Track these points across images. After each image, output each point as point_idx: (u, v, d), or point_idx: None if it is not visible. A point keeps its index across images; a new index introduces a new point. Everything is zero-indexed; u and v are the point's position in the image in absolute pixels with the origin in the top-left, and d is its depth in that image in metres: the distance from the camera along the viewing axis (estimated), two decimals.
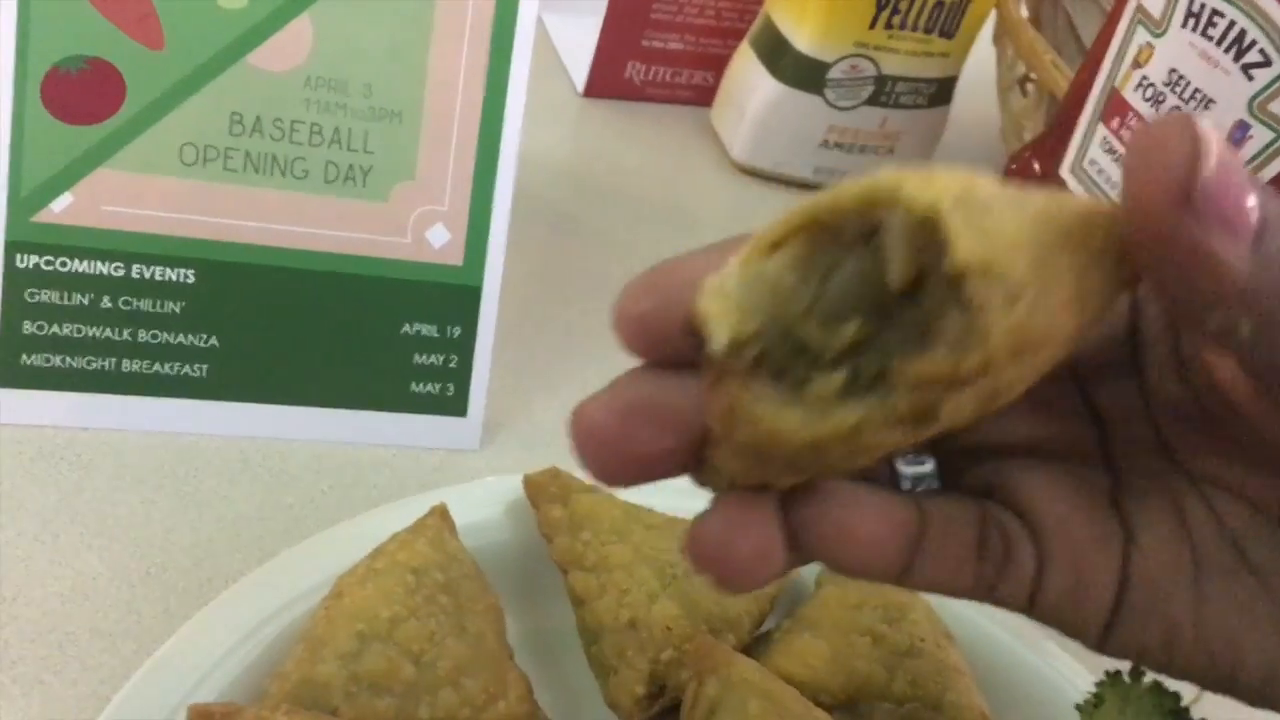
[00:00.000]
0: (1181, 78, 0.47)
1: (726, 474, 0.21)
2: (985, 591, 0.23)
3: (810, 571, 0.42)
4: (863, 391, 0.18)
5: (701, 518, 0.21)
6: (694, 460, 0.21)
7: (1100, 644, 0.23)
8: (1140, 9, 0.50)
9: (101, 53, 0.40)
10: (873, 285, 0.18)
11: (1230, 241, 0.18)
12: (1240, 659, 0.22)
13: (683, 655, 0.36)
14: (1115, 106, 0.51)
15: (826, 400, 0.18)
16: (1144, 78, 0.49)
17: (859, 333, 0.18)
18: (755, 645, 0.39)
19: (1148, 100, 0.49)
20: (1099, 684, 0.31)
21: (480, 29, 0.44)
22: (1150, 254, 0.18)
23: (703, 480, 0.21)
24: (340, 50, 0.42)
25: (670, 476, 0.21)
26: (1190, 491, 0.23)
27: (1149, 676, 0.31)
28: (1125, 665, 0.31)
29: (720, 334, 0.18)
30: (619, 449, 0.21)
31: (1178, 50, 0.47)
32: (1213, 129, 0.18)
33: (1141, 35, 0.49)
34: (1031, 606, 0.23)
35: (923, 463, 0.23)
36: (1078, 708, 0.32)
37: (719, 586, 0.22)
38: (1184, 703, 0.29)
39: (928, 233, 0.17)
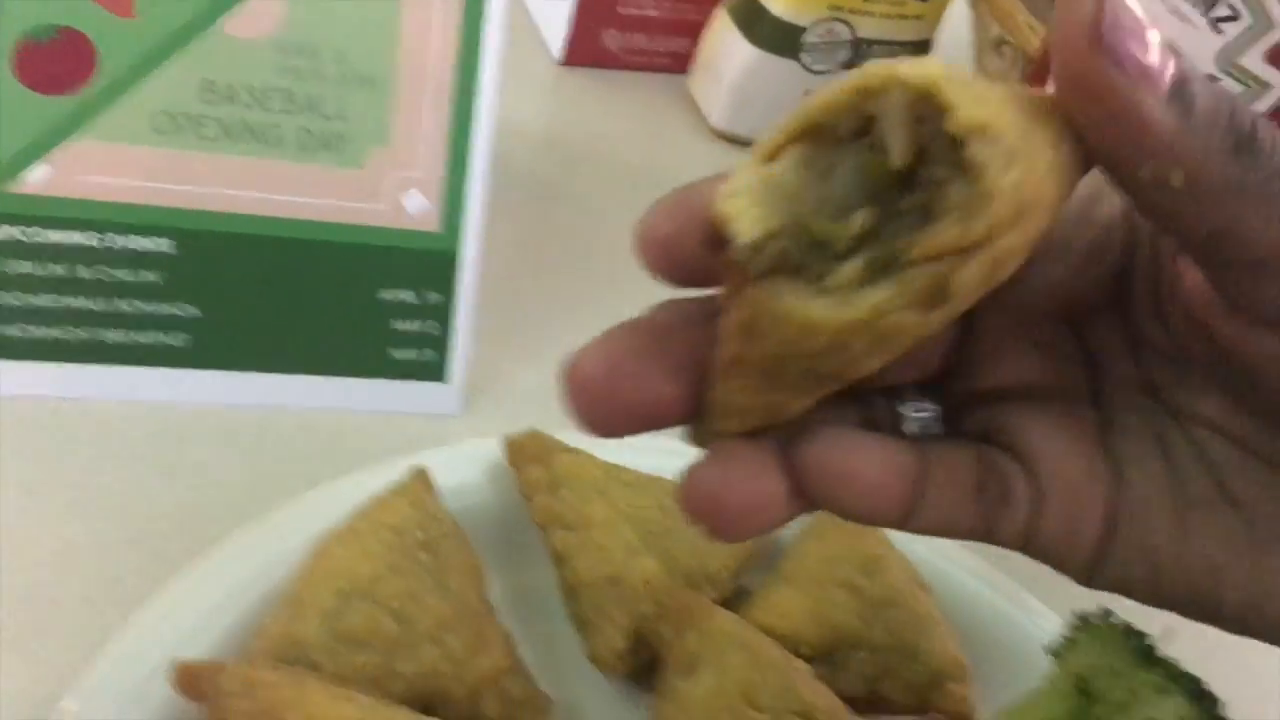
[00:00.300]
0: None
1: (728, 415, 0.21)
2: (984, 532, 0.23)
3: (789, 527, 0.43)
4: (878, 279, 0.19)
5: (695, 466, 0.22)
6: (688, 410, 0.21)
7: (1090, 578, 0.24)
8: None
9: (72, 21, 0.40)
10: (874, 175, 0.19)
11: (1149, 90, 0.19)
12: (1221, 589, 0.23)
13: (663, 610, 0.36)
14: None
15: (847, 288, 0.19)
16: None
17: (868, 221, 0.19)
18: (734, 600, 0.40)
19: None
20: (1070, 626, 0.32)
21: None
22: (1081, 111, 0.20)
23: (698, 433, 0.22)
24: (312, 17, 0.42)
25: (663, 426, 0.22)
26: (1175, 428, 0.24)
27: (1118, 618, 0.31)
28: (1096, 607, 0.32)
29: (744, 230, 0.19)
30: (612, 398, 0.21)
31: (1146, 5, 0.48)
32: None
33: None
34: (1027, 544, 0.24)
35: (925, 409, 0.24)
36: (1050, 651, 0.32)
37: (715, 536, 0.22)
38: (1152, 641, 0.30)
39: (925, 107, 0.18)
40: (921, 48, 0.69)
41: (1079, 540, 0.23)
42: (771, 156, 0.20)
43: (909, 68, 0.18)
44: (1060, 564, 0.24)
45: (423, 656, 0.33)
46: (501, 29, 0.45)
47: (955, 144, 0.18)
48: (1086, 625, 0.31)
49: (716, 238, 0.20)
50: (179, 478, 0.42)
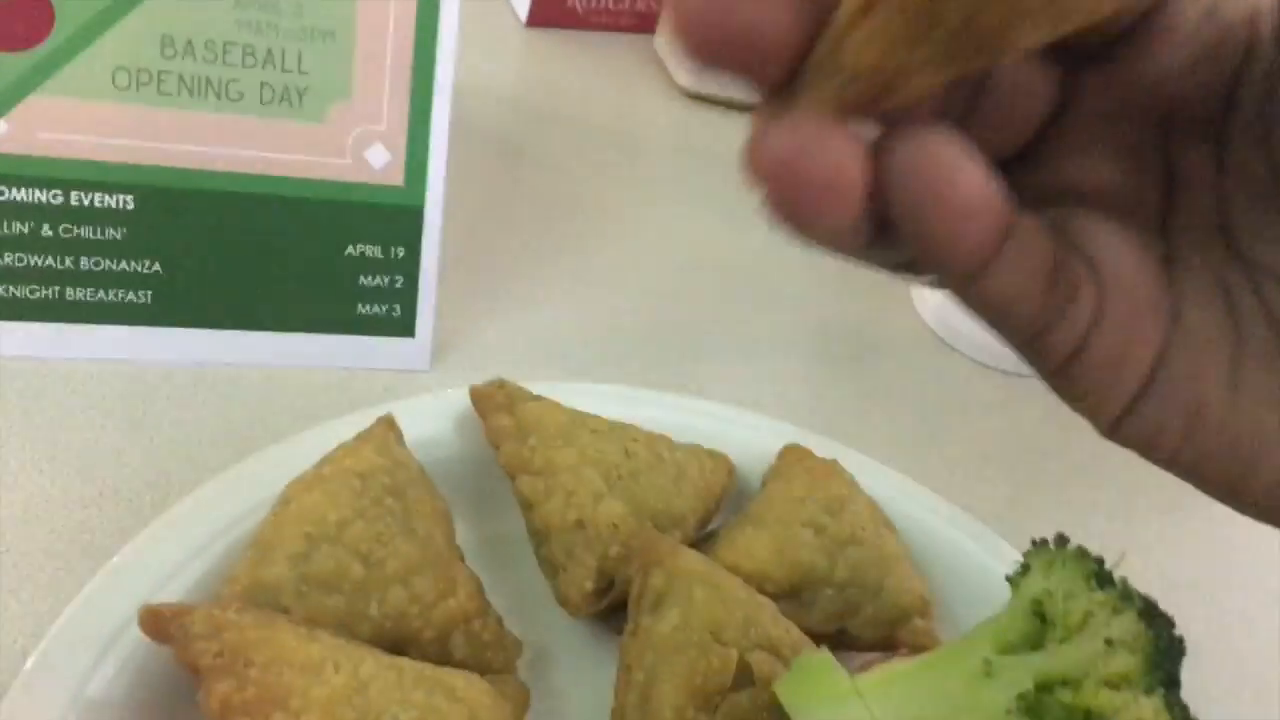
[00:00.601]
0: None
1: (835, 75, 0.19)
2: (1039, 327, 0.22)
3: (756, 473, 0.43)
4: None
5: (769, 126, 0.19)
6: (793, 53, 0.19)
7: (1120, 421, 0.22)
8: None
9: None
10: None
11: None
12: (1259, 459, 0.21)
13: (629, 551, 0.37)
14: None
15: None
16: None
17: None
18: (701, 543, 0.40)
19: None
20: (1026, 554, 0.32)
21: None
22: None
23: (778, 102, 0.19)
24: None
25: (759, 66, 0.19)
26: (1242, 277, 0.22)
27: (1073, 544, 0.32)
28: (1050, 534, 0.32)
29: None
30: (719, 14, 0.18)
31: None
32: None
33: None
34: (1069, 362, 0.22)
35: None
36: (1008, 579, 0.33)
37: (779, 209, 0.19)
38: (1106, 564, 0.31)
39: None
40: None
41: (1126, 369, 0.21)
42: None
43: None
44: (1096, 396, 0.22)
45: (391, 599, 0.33)
46: None
47: None
48: (1042, 551, 0.32)
49: None
50: (146, 434, 0.42)
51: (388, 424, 0.38)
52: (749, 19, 0.18)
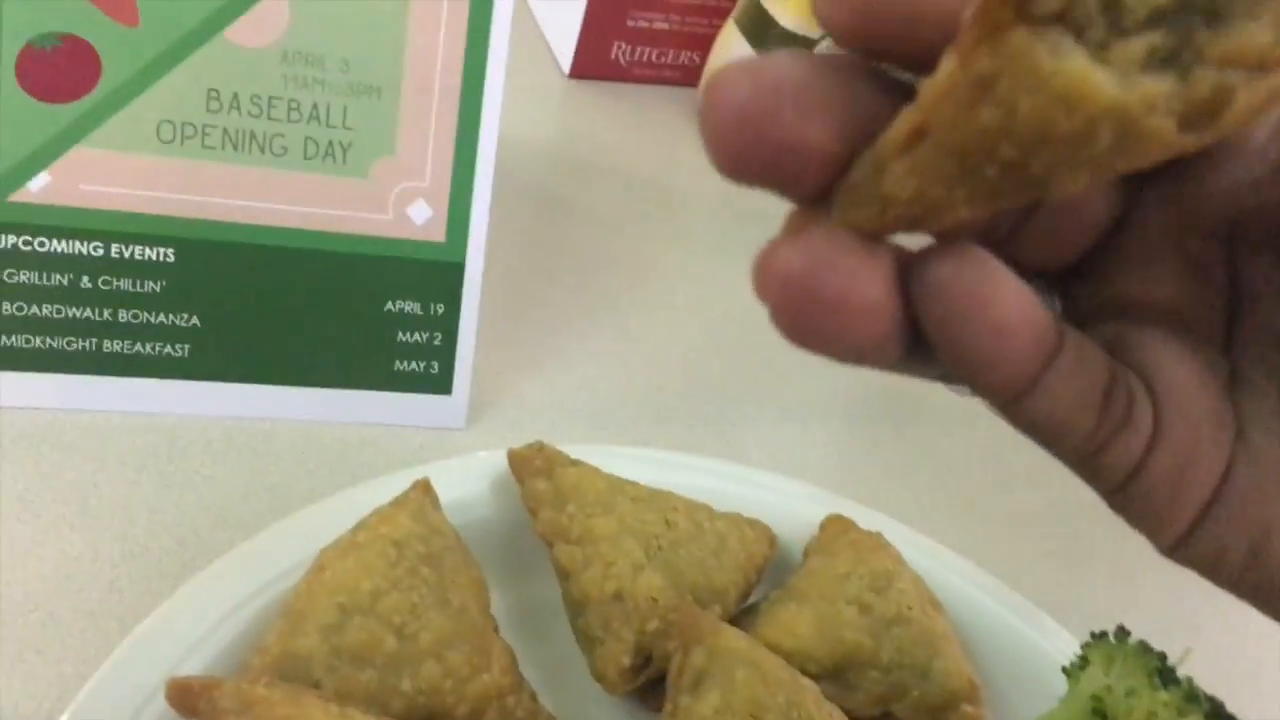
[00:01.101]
0: None
1: (866, 203, 0.18)
2: (1097, 445, 0.21)
3: (796, 542, 0.42)
4: (1162, 69, 0.16)
5: (778, 241, 0.18)
6: (829, 173, 0.18)
7: (1181, 543, 0.21)
8: None
9: (76, 29, 0.40)
10: None
11: None
12: None
13: (669, 626, 0.36)
14: None
15: (1129, 67, 0.16)
16: None
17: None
18: (742, 617, 0.39)
19: None
20: (1085, 645, 0.31)
21: (460, 2, 0.43)
22: None
23: (804, 217, 0.19)
24: (317, 24, 0.42)
25: (795, 181, 0.18)
26: None
27: (1134, 637, 0.30)
28: (1110, 626, 0.31)
29: None
30: (754, 124, 0.17)
31: None
32: None
33: None
34: (1127, 483, 0.21)
35: (1053, 303, 0.22)
36: (1064, 670, 0.32)
37: (787, 329, 0.18)
38: (1169, 661, 0.29)
39: None
40: None
41: (1188, 489, 0.21)
42: None
43: None
44: (1156, 517, 0.21)
45: (424, 673, 0.32)
46: (507, 37, 0.44)
47: None
48: (1102, 644, 0.31)
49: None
50: (180, 490, 0.41)
51: (424, 489, 0.37)
52: (789, 136, 0.17)
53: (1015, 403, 0.20)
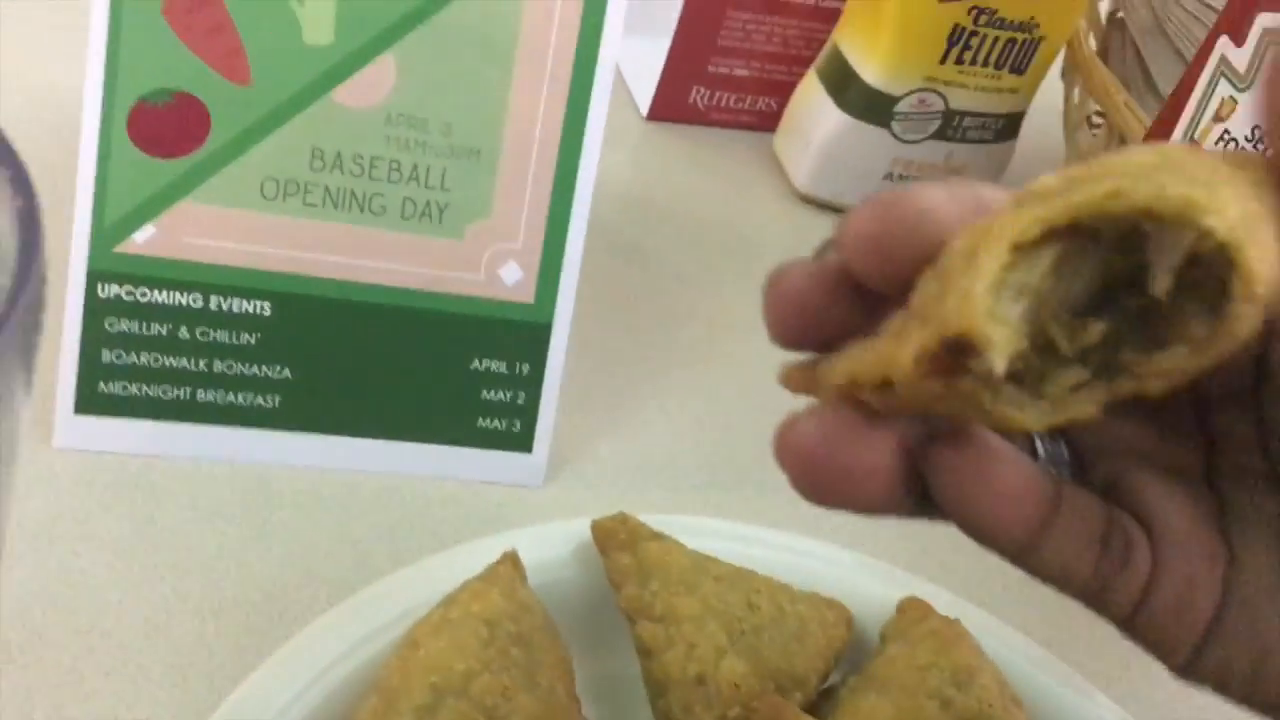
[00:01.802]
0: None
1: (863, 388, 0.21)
2: (1098, 589, 0.23)
3: (872, 623, 0.42)
4: (1091, 382, 0.19)
5: (798, 417, 0.21)
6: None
7: (1190, 665, 0.23)
8: (1224, 62, 0.49)
9: (188, 87, 0.41)
10: (1110, 272, 0.19)
11: None
12: None
13: (750, 714, 0.36)
14: None
15: (1063, 394, 0.19)
16: (1226, 132, 0.49)
17: (1103, 330, 0.19)
18: (820, 702, 0.39)
19: None
20: None
21: (562, 67, 0.44)
22: None
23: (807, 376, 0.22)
24: (422, 88, 0.43)
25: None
26: None
27: None
28: None
29: (999, 354, 0.18)
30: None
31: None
32: None
33: (1225, 88, 0.49)
34: (1135, 614, 0.23)
35: (1062, 454, 0.24)
36: None
37: (806, 494, 0.21)
38: None
39: (1207, 249, 0.18)
40: (1013, 121, 0.68)
41: (1188, 619, 0.22)
42: (1019, 246, 0.18)
43: (1217, 216, 0.17)
44: (1162, 645, 0.23)
45: None
46: (606, 103, 0.45)
47: (1207, 264, 0.18)
48: None
49: (953, 345, 0.18)
50: (267, 543, 0.42)
51: (512, 562, 0.38)
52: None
53: (1019, 558, 0.22)
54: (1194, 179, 0.18)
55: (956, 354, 0.18)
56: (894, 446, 0.21)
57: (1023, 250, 0.18)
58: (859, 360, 0.20)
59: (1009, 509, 0.21)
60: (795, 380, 0.22)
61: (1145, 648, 0.23)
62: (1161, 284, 0.18)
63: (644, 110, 0.73)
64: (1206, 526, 0.23)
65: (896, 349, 0.19)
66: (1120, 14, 0.70)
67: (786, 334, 0.23)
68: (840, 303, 0.22)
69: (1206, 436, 0.24)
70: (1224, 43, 0.49)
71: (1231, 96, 0.48)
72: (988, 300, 0.18)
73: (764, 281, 0.23)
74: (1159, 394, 0.19)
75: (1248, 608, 0.22)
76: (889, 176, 0.68)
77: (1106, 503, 0.23)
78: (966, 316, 0.18)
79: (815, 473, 0.21)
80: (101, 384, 0.42)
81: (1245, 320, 0.17)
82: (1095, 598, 0.23)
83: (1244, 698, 0.23)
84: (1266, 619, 0.22)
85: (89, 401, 0.42)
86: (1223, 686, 0.23)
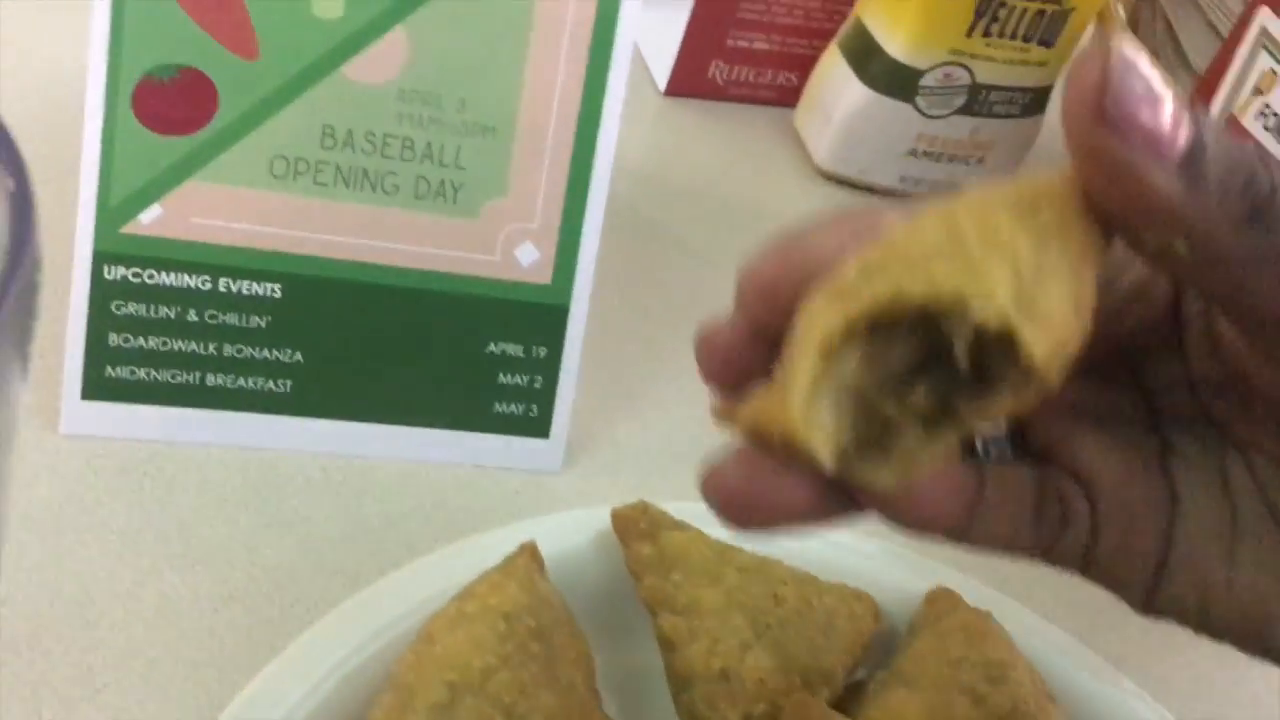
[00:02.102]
0: None
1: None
2: (1043, 551, 0.24)
3: (900, 613, 0.41)
4: (933, 433, 0.21)
5: (719, 464, 0.23)
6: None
7: (1146, 605, 0.24)
8: (1265, 33, 0.47)
9: (195, 61, 0.39)
10: (923, 344, 0.21)
11: (1155, 160, 0.19)
12: (1270, 619, 0.23)
13: (776, 710, 0.35)
14: (1233, 135, 0.48)
15: (909, 451, 0.21)
16: (1266, 105, 0.47)
17: (927, 394, 0.21)
18: (847, 696, 0.38)
19: (1270, 130, 0.46)
20: None
21: (579, 41, 0.42)
22: (1089, 180, 0.20)
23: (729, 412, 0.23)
24: (435, 63, 0.41)
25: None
26: (1234, 457, 0.24)
27: None
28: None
29: (824, 452, 0.21)
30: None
31: None
32: (1132, 50, 0.19)
33: (1266, 61, 0.47)
34: (1085, 567, 0.24)
35: (1001, 441, 0.25)
36: None
37: (731, 526, 0.23)
38: None
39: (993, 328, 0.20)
40: (1041, 96, 0.67)
41: (1135, 565, 0.24)
42: (830, 348, 0.20)
43: (987, 305, 0.19)
44: (1118, 589, 0.24)
45: None
46: (624, 79, 0.43)
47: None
48: None
49: (791, 450, 0.21)
50: (278, 531, 0.41)
51: (530, 553, 0.37)
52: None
53: (955, 542, 0.24)
54: (969, 262, 0.19)
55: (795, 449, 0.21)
56: (811, 479, 0.22)
57: (833, 350, 0.20)
58: (759, 409, 0.22)
59: (931, 508, 0.23)
60: (721, 418, 0.24)
61: (1105, 588, 0.25)
62: (962, 362, 0.20)
63: (661, 85, 0.71)
64: (1143, 471, 0.24)
65: (777, 407, 0.21)
66: None
67: (716, 382, 0.24)
68: (759, 349, 0.23)
69: (1144, 385, 0.25)
70: (1265, 14, 0.47)
71: (1273, 69, 0.47)
72: (805, 410, 0.20)
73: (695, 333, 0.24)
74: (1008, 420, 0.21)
75: (1190, 547, 0.23)
76: (913, 152, 0.66)
77: (1040, 469, 0.24)
78: (789, 426, 0.20)
79: (742, 511, 0.22)
80: (109, 369, 0.41)
81: (1046, 377, 0.20)
82: (1044, 558, 0.24)
83: (1199, 629, 0.24)
84: (1208, 557, 0.23)
85: (96, 386, 0.41)
86: (1182, 621, 0.24)
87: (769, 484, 0.22)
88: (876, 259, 0.20)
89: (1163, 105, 0.19)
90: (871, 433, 0.21)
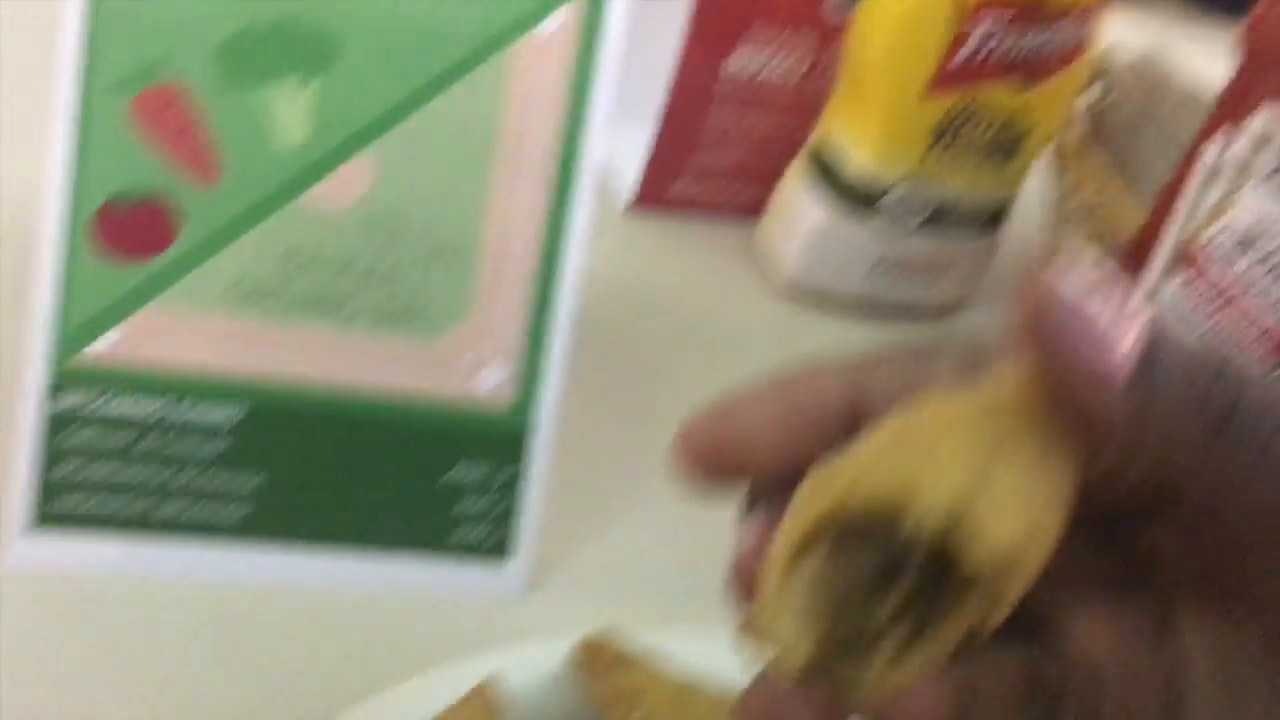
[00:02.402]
0: (1266, 230, 0.46)
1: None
2: None
3: None
4: (908, 648, 0.21)
5: (750, 692, 0.23)
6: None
7: None
8: (1221, 156, 0.48)
9: (157, 187, 0.39)
10: (889, 550, 0.21)
11: (1100, 386, 0.19)
12: None
13: None
14: (1189, 258, 0.49)
15: (884, 665, 0.21)
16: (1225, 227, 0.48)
17: (895, 604, 0.21)
18: None
19: (1221, 259, 0.47)
20: None
21: (543, 162, 0.42)
22: (1047, 397, 0.20)
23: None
24: (399, 188, 0.41)
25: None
26: (1246, 613, 0.23)
27: None
28: None
29: (792, 662, 0.21)
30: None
31: (1260, 201, 0.46)
32: (1075, 281, 0.19)
33: (1218, 186, 0.48)
34: None
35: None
36: None
37: None
38: None
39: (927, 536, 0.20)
40: (1000, 210, 0.68)
41: None
42: (797, 553, 0.21)
43: (927, 520, 0.20)
44: None
45: None
46: (589, 203, 0.43)
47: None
48: None
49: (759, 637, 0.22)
50: (232, 666, 0.40)
51: (488, 690, 0.35)
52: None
53: None
54: (908, 473, 0.20)
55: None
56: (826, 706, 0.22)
57: (795, 563, 0.21)
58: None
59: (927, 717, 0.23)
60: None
61: None
62: (923, 565, 0.21)
63: (626, 200, 0.72)
64: (1138, 646, 0.23)
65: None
66: (1102, 106, 0.70)
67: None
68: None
69: (1134, 556, 0.24)
70: (1223, 133, 0.48)
71: (1228, 193, 0.48)
72: (772, 621, 0.21)
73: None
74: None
75: (1189, 714, 0.22)
76: (876, 268, 0.67)
77: (1030, 648, 0.23)
78: (759, 637, 0.21)
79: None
80: (59, 498, 0.40)
81: (996, 584, 0.20)
82: None
83: None
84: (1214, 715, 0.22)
85: (46, 517, 0.40)
86: None
87: (782, 710, 0.22)
88: (835, 468, 0.21)
89: (1106, 327, 0.19)
90: (851, 638, 0.21)
